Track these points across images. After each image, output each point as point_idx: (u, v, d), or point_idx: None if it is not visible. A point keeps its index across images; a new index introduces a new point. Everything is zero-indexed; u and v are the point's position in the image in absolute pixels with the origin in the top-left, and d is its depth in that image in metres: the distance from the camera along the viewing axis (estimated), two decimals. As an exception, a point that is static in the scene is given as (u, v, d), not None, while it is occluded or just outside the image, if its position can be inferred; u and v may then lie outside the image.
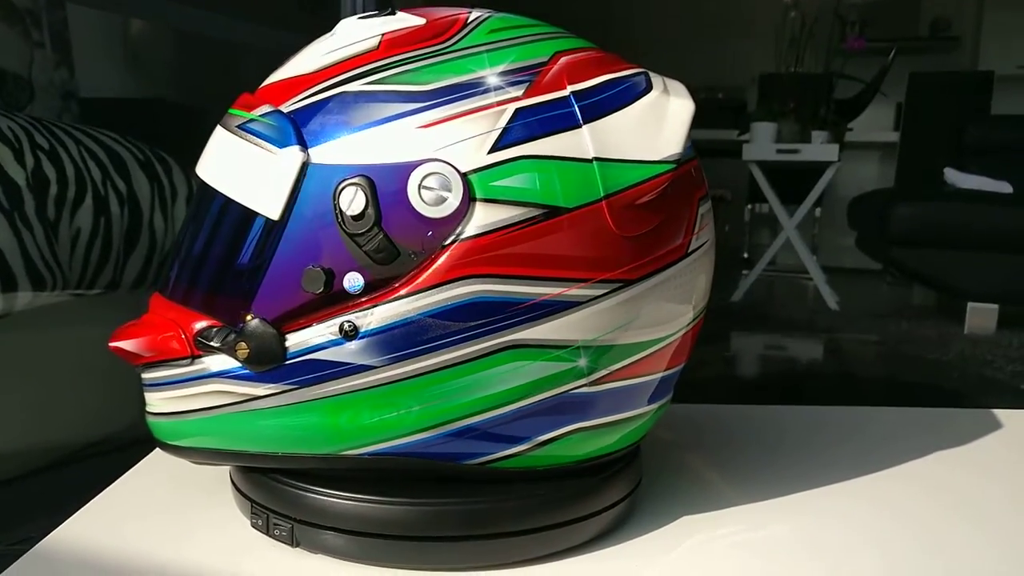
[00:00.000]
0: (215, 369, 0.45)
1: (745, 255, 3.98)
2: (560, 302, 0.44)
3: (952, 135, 3.03)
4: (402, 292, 0.42)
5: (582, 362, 0.45)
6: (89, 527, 0.51)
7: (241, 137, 0.44)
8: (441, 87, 0.44)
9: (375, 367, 0.43)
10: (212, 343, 0.45)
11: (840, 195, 3.72)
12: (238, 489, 0.49)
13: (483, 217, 0.42)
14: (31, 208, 1.14)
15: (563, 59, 0.46)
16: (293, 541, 0.46)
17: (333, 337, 0.43)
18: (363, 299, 0.42)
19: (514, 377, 0.44)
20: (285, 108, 0.44)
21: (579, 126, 0.44)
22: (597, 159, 0.44)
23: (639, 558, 0.48)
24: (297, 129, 0.43)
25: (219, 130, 0.46)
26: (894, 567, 0.48)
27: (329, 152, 0.43)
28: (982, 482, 0.60)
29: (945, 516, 0.55)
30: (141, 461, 0.61)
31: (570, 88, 0.45)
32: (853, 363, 1.46)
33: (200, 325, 0.46)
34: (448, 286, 0.42)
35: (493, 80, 0.45)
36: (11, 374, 1.18)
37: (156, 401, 0.48)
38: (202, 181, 0.47)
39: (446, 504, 0.45)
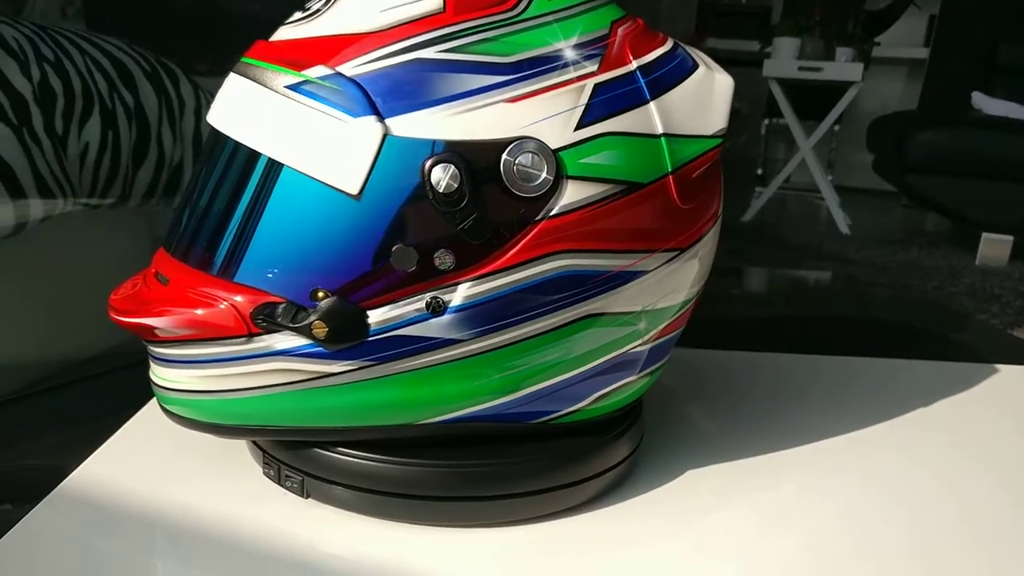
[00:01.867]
0: (280, 347, 0.43)
1: (759, 171, 3.92)
2: (633, 272, 0.46)
3: (985, 53, 2.93)
4: (492, 269, 0.43)
5: (641, 325, 0.47)
6: (103, 472, 0.52)
7: (296, 100, 0.41)
8: (524, 60, 0.43)
9: (462, 340, 0.44)
10: (279, 322, 0.43)
11: (862, 111, 3.62)
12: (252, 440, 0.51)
13: (572, 194, 0.43)
14: (39, 123, 1.12)
15: (619, 30, 0.47)
16: (304, 493, 0.48)
17: (419, 313, 0.43)
18: (451, 275, 0.42)
19: (589, 343, 0.47)
20: (347, 71, 0.41)
21: (647, 102, 0.46)
22: (665, 135, 0.46)
23: (641, 515, 0.49)
24: (368, 97, 0.41)
25: (252, 86, 0.42)
26: (905, 520, 0.49)
27: (412, 125, 0.41)
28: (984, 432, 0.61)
29: (957, 460, 0.56)
30: (147, 405, 0.62)
31: (635, 63, 0.46)
32: (860, 296, 1.46)
33: (253, 301, 0.43)
34: (537, 262, 0.43)
35: (570, 54, 0.45)
36: (25, 287, 1.19)
37: (189, 379, 0.45)
38: (232, 140, 0.43)
39: (457, 466, 0.46)
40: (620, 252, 0.45)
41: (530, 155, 0.42)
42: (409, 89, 0.41)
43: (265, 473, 0.50)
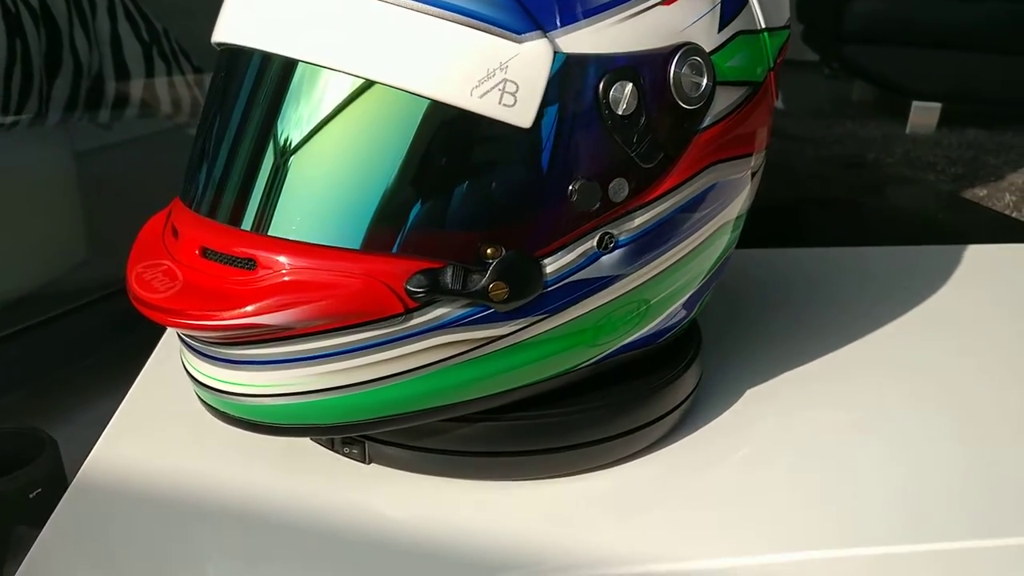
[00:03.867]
0: (447, 318, 0.36)
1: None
2: (752, 175, 0.45)
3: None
4: (660, 193, 0.40)
5: (739, 231, 0.48)
6: (126, 452, 0.48)
7: (434, 15, 0.33)
8: None
9: (626, 275, 0.40)
10: (449, 289, 0.35)
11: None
12: None
13: (720, 101, 0.41)
14: (-66, 35, 0.98)
15: None
16: (366, 459, 0.44)
17: (591, 253, 0.38)
18: (621, 206, 0.38)
19: (715, 251, 0.46)
20: None
21: None
22: (765, 29, 0.44)
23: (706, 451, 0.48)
24: (524, 6, 0.34)
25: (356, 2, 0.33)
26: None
27: (578, 38, 0.35)
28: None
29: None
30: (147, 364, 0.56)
31: None
32: (803, 170, 1.47)
33: (406, 270, 0.35)
34: (695, 178, 0.41)
35: None
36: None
37: (309, 377, 0.37)
38: (311, 68, 0.35)
39: (520, 418, 0.43)
40: (749, 155, 0.44)
41: (695, 62, 0.39)
42: (563, 1, 0.35)
43: (315, 440, 0.46)
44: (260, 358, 0.37)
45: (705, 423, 0.50)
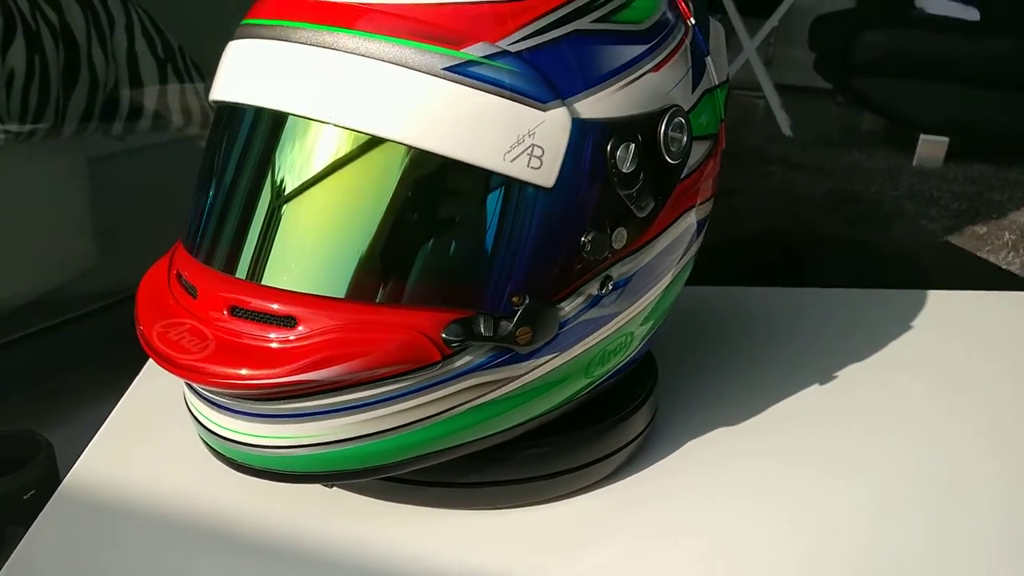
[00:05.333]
0: (474, 363, 0.39)
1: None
2: (706, 218, 0.50)
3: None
4: (650, 237, 0.44)
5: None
6: (103, 468, 0.50)
7: (467, 85, 0.35)
8: (652, 25, 0.43)
9: (620, 312, 0.44)
10: (482, 336, 0.38)
11: (797, 6, 3.59)
12: None
13: (694, 155, 0.45)
14: (-44, 51, 1.01)
15: None
16: (329, 483, 0.47)
17: (595, 294, 0.42)
18: (619, 252, 0.42)
19: (680, 286, 0.50)
20: (510, 46, 0.37)
21: (706, 56, 0.48)
22: (717, 86, 0.49)
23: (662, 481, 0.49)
24: (546, 77, 0.37)
25: (378, 67, 0.35)
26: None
27: (589, 105, 0.38)
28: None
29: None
30: (138, 378, 0.59)
31: (691, 19, 0.48)
32: (807, 207, 1.49)
33: (439, 320, 0.37)
34: (676, 223, 0.46)
35: (670, 15, 0.45)
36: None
37: (336, 429, 0.39)
38: (341, 131, 0.36)
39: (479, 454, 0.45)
40: (710, 199, 0.50)
41: (679, 123, 0.42)
42: (578, 65, 0.38)
43: None
44: (286, 411, 0.39)
45: (659, 458, 0.52)
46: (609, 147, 0.39)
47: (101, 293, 1.26)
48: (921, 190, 2.13)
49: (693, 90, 0.45)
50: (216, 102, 0.41)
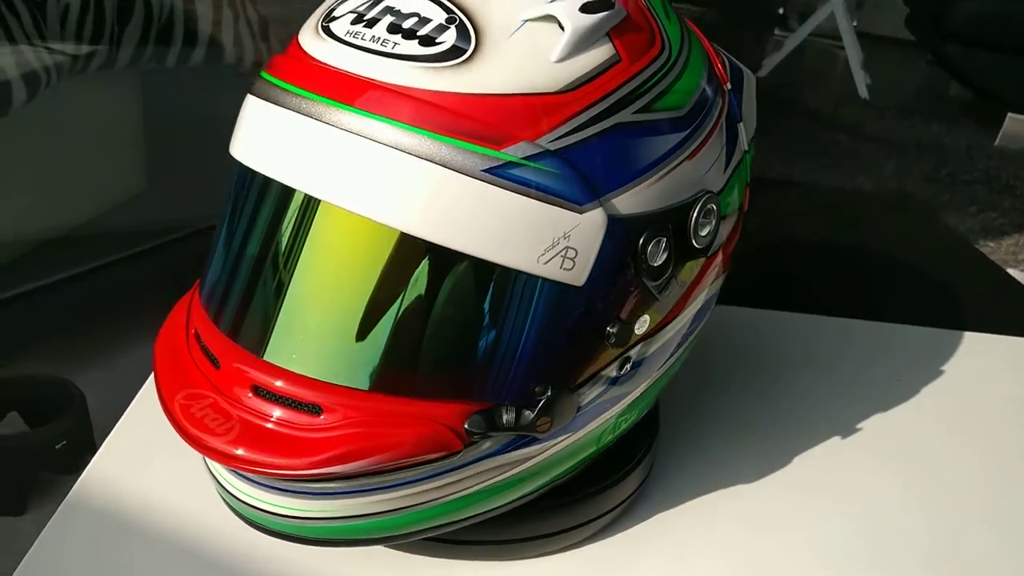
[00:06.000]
0: (492, 449, 0.40)
1: (780, 10, 3.68)
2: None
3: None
4: (670, 318, 0.44)
5: None
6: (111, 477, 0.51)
7: (505, 188, 0.35)
8: (691, 108, 0.41)
9: (637, 388, 0.45)
10: (504, 428, 0.38)
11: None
12: None
13: (722, 233, 0.44)
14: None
15: (703, 44, 0.46)
16: None
17: (614, 376, 0.42)
18: (642, 335, 0.42)
19: (697, 339, 0.49)
20: (550, 144, 0.36)
21: (739, 122, 0.46)
22: (747, 151, 0.47)
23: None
24: (584, 177, 0.36)
25: (413, 163, 0.34)
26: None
27: (624, 201, 0.37)
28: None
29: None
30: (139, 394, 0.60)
31: (728, 83, 0.46)
32: (865, 205, 1.42)
33: (461, 412, 0.38)
34: (697, 298, 0.45)
35: (708, 91, 0.43)
36: (14, 163, 1.14)
37: (359, 505, 0.40)
38: (366, 222, 0.35)
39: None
40: (726, 272, 0.48)
41: (710, 209, 0.41)
42: (617, 161, 0.37)
43: None
44: (307, 489, 0.40)
45: (652, 515, 0.52)
46: (641, 242, 0.39)
47: (148, 222, 1.29)
48: (998, 175, 2.02)
49: (725, 169, 0.44)
50: (242, 164, 0.40)
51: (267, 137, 0.38)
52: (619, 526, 0.51)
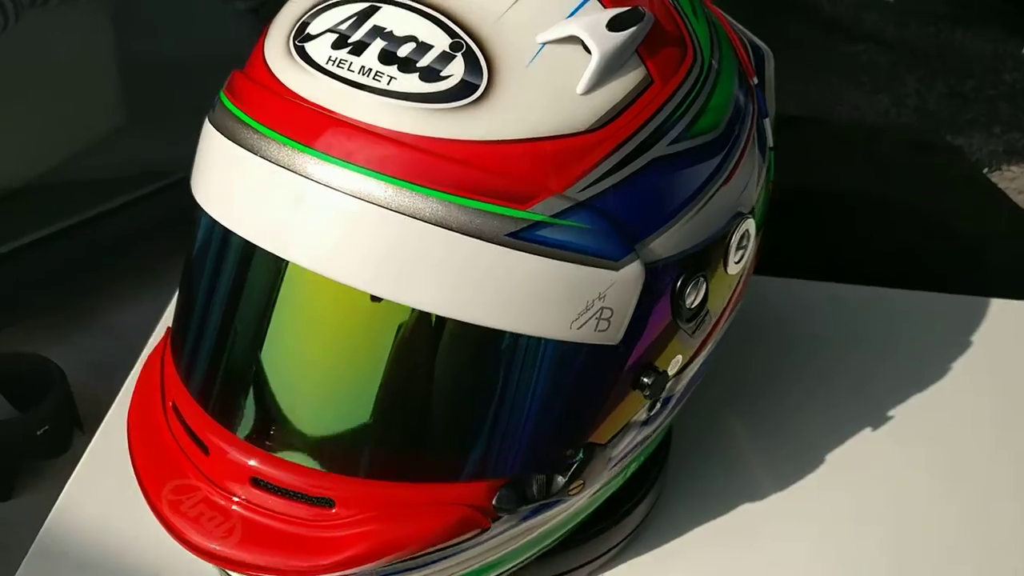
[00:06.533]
0: (520, 516, 0.37)
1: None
2: None
3: None
4: (704, 348, 0.41)
5: None
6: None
7: (532, 252, 0.30)
8: (724, 127, 0.37)
9: (664, 424, 0.43)
10: (535, 499, 0.36)
11: None
12: None
13: (751, 250, 0.41)
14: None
15: (730, 37, 0.42)
16: None
17: (643, 420, 0.40)
18: (674, 373, 0.40)
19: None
20: (581, 194, 0.31)
21: (766, 118, 0.43)
22: (772, 147, 0.44)
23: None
24: (618, 226, 0.32)
25: (423, 229, 0.30)
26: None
27: (661, 245, 0.34)
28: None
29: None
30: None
31: (755, 78, 0.42)
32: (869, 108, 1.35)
33: (489, 489, 0.35)
34: (721, 327, 0.43)
35: (741, 99, 0.39)
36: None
37: None
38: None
39: None
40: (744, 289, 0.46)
41: (745, 231, 0.39)
42: (653, 203, 0.34)
43: None
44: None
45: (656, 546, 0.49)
46: (679, 285, 0.35)
47: (130, 164, 1.24)
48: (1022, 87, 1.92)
49: (759, 181, 0.41)
50: (208, 215, 0.35)
51: (242, 191, 0.33)
52: (626, 555, 0.49)
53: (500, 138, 0.31)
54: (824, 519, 0.51)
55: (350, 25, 0.31)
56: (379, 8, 0.31)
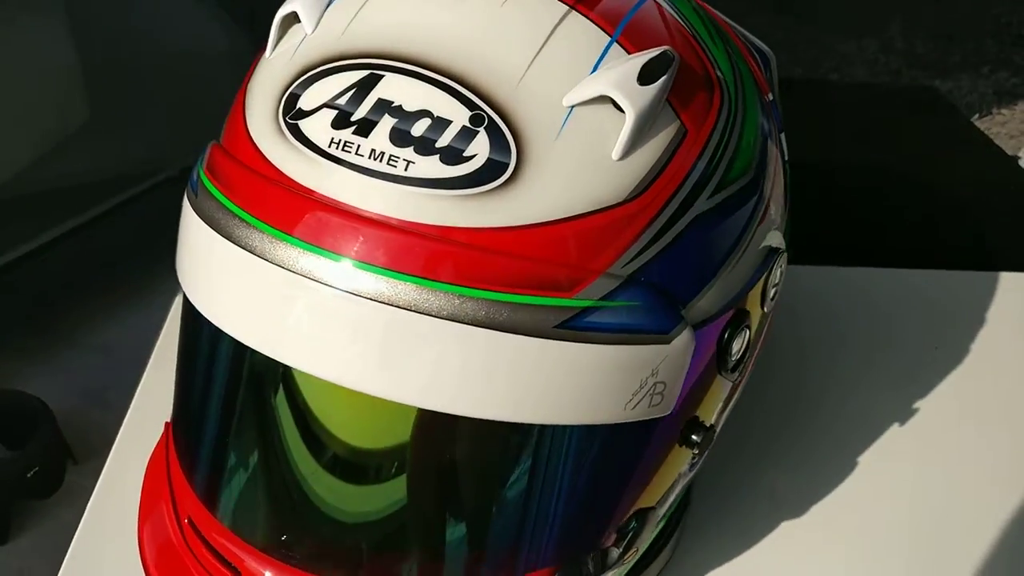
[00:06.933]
0: None
1: None
2: None
3: None
4: (738, 390, 0.38)
5: None
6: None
7: (583, 341, 0.27)
8: (756, 165, 0.33)
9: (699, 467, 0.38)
10: (591, 575, 0.33)
11: None
12: None
13: (775, 276, 0.36)
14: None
15: (746, 60, 0.38)
16: None
17: (687, 471, 0.36)
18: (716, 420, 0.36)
19: None
20: (624, 269, 0.28)
21: (783, 130, 0.40)
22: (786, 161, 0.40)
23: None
24: (667, 296, 0.29)
25: (461, 331, 0.26)
26: None
27: (707, 302, 0.31)
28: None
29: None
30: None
31: (770, 94, 0.39)
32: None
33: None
34: (756, 356, 0.39)
35: (766, 126, 0.35)
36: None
37: None
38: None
39: None
40: None
41: (781, 263, 0.36)
42: (698, 262, 0.31)
43: None
44: None
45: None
46: (724, 340, 0.32)
47: (98, 167, 1.19)
48: (1009, 23, 1.88)
49: (785, 204, 0.37)
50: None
51: (237, 292, 0.29)
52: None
53: (537, 221, 0.27)
54: (851, 548, 0.49)
55: (350, 99, 0.27)
56: (381, 77, 0.27)
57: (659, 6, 0.33)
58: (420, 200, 0.26)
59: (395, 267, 0.26)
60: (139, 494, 0.38)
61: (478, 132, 0.27)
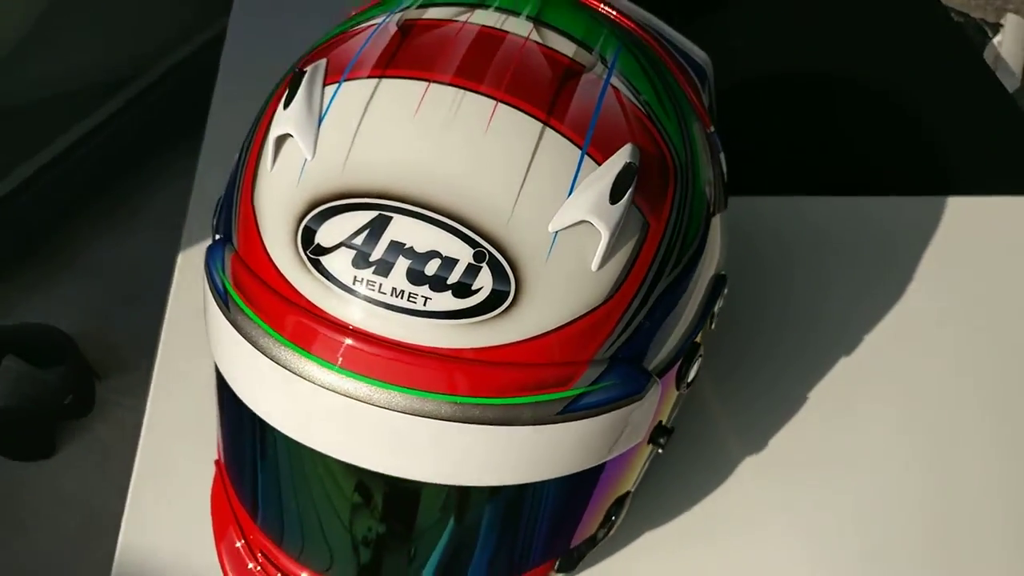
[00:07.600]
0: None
1: None
2: None
3: None
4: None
5: None
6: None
7: (580, 418, 0.34)
8: (704, 223, 0.38)
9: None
10: (585, 554, 0.44)
11: None
12: None
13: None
14: None
15: (690, 101, 0.41)
16: None
17: (657, 454, 0.45)
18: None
19: None
20: (606, 353, 0.35)
21: (721, 151, 0.43)
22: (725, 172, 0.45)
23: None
24: (640, 365, 0.36)
25: (487, 432, 0.34)
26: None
27: (669, 350, 0.38)
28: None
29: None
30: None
31: (711, 127, 0.43)
32: None
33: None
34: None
35: (711, 172, 0.40)
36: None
37: None
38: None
39: None
40: None
41: (725, 290, 0.42)
42: (663, 328, 0.37)
43: None
44: None
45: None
46: (680, 372, 0.40)
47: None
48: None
49: (724, 227, 0.42)
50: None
51: (283, 404, 0.35)
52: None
53: (535, 334, 0.33)
54: (800, 508, 0.51)
55: (366, 239, 0.32)
56: (391, 219, 0.32)
57: (617, 92, 0.35)
58: (437, 329, 0.32)
59: (419, 387, 0.32)
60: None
61: (481, 268, 0.32)
